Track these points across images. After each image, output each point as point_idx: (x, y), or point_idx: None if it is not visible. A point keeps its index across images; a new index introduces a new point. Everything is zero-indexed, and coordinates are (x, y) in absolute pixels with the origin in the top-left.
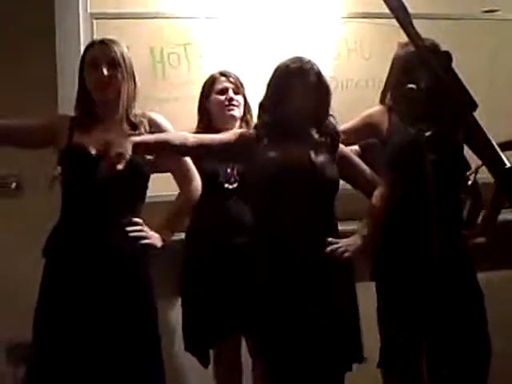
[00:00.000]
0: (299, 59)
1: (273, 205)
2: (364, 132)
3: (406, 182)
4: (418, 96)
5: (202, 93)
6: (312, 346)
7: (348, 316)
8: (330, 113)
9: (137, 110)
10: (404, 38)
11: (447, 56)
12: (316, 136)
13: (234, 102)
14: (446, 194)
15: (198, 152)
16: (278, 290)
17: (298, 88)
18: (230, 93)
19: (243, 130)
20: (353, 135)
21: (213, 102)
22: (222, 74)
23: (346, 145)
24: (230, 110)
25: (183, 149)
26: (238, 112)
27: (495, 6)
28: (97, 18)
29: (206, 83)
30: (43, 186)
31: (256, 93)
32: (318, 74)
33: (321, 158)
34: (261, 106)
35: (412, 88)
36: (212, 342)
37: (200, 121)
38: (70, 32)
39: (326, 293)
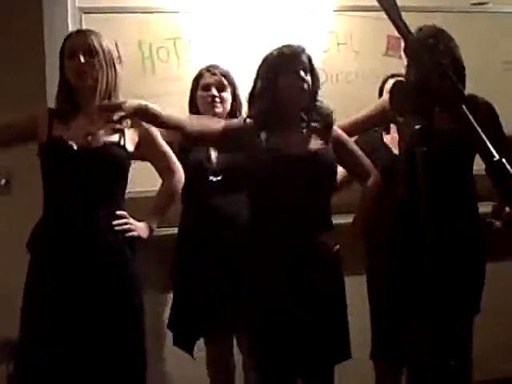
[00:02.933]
0: (288, 45)
1: (272, 193)
2: (381, 118)
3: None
4: (405, 89)
5: (191, 88)
6: (303, 342)
7: (337, 311)
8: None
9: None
10: (394, 32)
11: (435, 48)
12: (310, 120)
13: (217, 99)
14: (448, 184)
15: (198, 138)
16: (274, 283)
17: (290, 71)
18: (213, 90)
19: (239, 119)
20: (370, 122)
21: (198, 98)
22: (208, 69)
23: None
24: (213, 107)
25: (185, 130)
26: (221, 109)
27: None
28: (85, 13)
29: (194, 78)
30: (32, 182)
31: (247, 86)
32: (309, 58)
33: (316, 143)
34: (252, 94)
35: (400, 81)
36: (200, 335)
37: (189, 112)
38: (58, 26)
39: (317, 285)
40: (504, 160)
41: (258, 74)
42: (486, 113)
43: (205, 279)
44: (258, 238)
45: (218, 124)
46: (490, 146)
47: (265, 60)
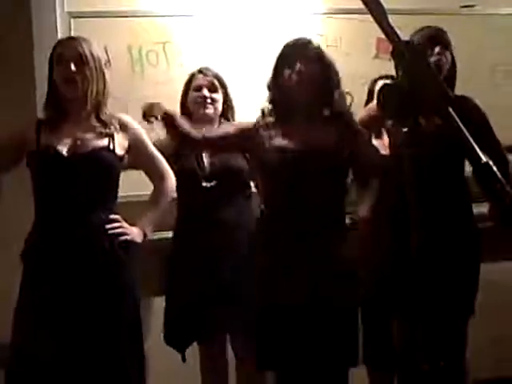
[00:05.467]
0: (300, 38)
1: (282, 190)
2: (371, 122)
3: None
4: (393, 92)
5: (182, 90)
6: (310, 346)
7: (347, 315)
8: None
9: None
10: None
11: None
12: (324, 112)
13: (208, 100)
14: (439, 187)
15: (217, 145)
16: (287, 284)
17: (300, 62)
18: (204, 91)
19: (248, 122)
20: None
21: (190, 100)
22: (200, 71)
23: None
24: (204, 108)
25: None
26: (212, 110)
27: (473, 1)
28: (74, 17)
29: (186, 80)
30: (23, 190)
31: (237, 88)
32: (319, 50)
33: (329, 137)
34: (268, 86)
35: (388, 84)
36: (195, 338)
37: (180, 113)
38: (47, 31)
39: (328, 291)
40: (491, 163)
41: (273, 66)
42: (477, 115)
43: (199, 282)
44: (268, 237)
45: (230, 127)
46: (476, 148)
47: (279, 53)
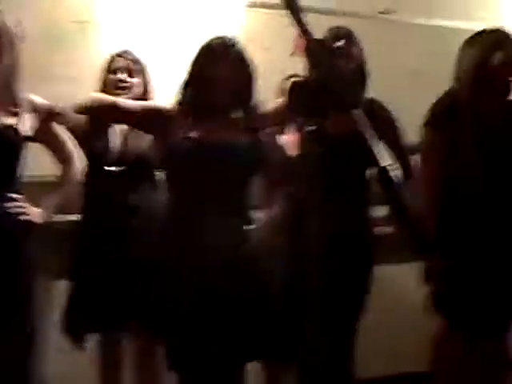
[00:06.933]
0: (222, 38)
1: (188, 184)
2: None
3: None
4: (303, 90)
5: (100, 73)
6: (217, 337)
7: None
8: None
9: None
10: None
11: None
12: (239, 116)
13: (125, 84)
14: (339, 187)
15: (118, 116)
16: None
17: (219, 65)
18: (122, 74)
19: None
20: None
21: (107, 82)
22: (119, 54)
23: None
24: (121, 91)
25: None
26: (130, 94)
27: (392, 9)
28: None
29: (104, 62)
30: None
31: (158, 73)
32: (241, 54)
33: (241, 140)
34: (184, 83)
35: (298, 82)
36: (95, 327)
37: None
38: None
39: (236, 284)
40: (390, 167)
41: (191, 63)
42: (385, 118)
43: (105, 267)
44: (175, 228)
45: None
46: (377, 152)
47: (198, 51)
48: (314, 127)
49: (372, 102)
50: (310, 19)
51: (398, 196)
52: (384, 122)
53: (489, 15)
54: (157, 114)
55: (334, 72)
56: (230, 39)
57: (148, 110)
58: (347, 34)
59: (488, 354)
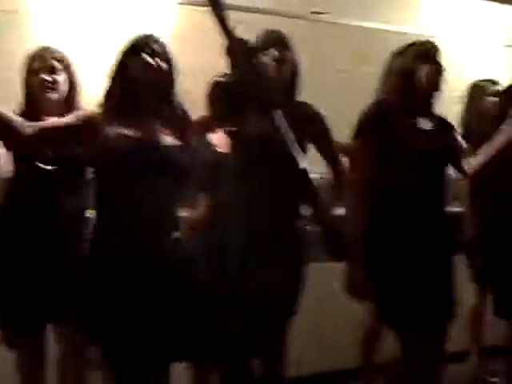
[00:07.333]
0: (146, 33)
1: (117, 186)
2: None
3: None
4: (224, 91)
5: (22, 74)
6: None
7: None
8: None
9: None
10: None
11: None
12: (165, 117)
13: (49, 84)
14: (267, 186)
15: (40, 139)
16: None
17: (143, 64)
18: (43, 74)
19: (88, 111)
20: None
21: (31, 85)
22: (38, 52)
23: None
24: (45, 92)
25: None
26: (55, 94)
27: (325, 9)
28: None
29: (25, 61)
30: None
31: (85, 70)
32: (164, 52)
33: (168, 137)
34: (108, 82)
35: (218, 82)
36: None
37: (23, 99)
38: None
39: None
40: (308, 169)
41: (115, 61)
42: (316, 120)
43: (29, 266)
44: (104, 228)
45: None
46: (295, 154)
47: (122, 47)
48: (233, 128)
49: (304, 104)
50: (242, 18)
51: (315, 197)
52: (316, 124)
53: (417, 18)
54: (83, 124)
55: (254, 73)
56: (152, 36)
57: (72, 124)
58: (280, 37)
59: (424, 348)
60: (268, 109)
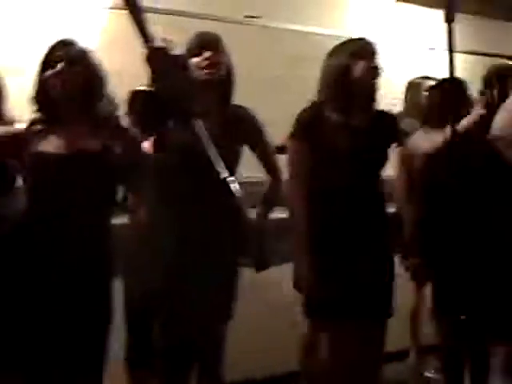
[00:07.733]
0: (64, 39)
1: (46, 195)
2: None
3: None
4: (144, 99)
5: None
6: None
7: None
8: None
9: None
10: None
11: (179, 57)
12: (89, 115)
13: None
14: (195, 195)
15: None
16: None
17: (62, 63)
18: None
19: (15, 126)
20: None
21: None
22: None
23: None
24: None
25: None
26: None
27: (259, 13)
28: None
29: None
30: None
31: (15, 76)
32: (84, 51)
33: (94, 143)
34: (35, 88)
35: (138, 91)
36: None
37: None
38: None
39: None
40: (230, 178)
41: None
42: (251, 125)
43: None
44: (33, 237)
45: None
46: (216, 162)
47: (43, 55)
48: (153, 136)
49: (239, 108)
50: (173, 22)
51: (236, 208)
52: (250, 127)
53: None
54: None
55: (175, 82)
56: (71, 42)
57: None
58: (214, 40)
59: (365, 339)
60: (189, 119)
